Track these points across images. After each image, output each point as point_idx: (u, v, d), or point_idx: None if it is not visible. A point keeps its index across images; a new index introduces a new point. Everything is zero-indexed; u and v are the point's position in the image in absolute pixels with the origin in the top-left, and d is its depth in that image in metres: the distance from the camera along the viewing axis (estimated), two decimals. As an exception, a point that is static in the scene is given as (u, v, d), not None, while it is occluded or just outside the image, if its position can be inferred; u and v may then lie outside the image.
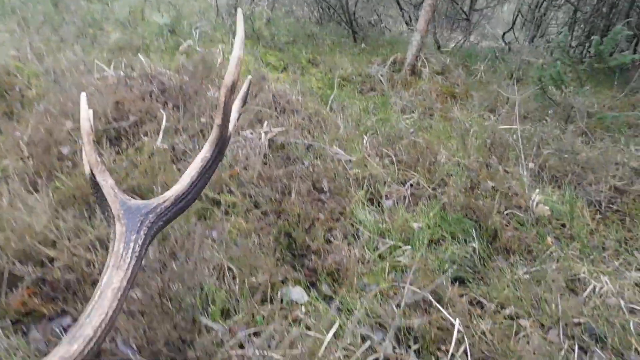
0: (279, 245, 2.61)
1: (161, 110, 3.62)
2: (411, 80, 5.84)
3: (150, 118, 3.55)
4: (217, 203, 2.86)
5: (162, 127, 3.42)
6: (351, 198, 3.12)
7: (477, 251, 2.84)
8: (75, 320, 2.06)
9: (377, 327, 2.21)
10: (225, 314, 2.18)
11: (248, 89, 2.06)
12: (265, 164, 3.23)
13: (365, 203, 3.16)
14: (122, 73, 4.16)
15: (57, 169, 2.87)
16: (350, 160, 3.57)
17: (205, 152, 1.82)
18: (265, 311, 2.17)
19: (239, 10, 2.00)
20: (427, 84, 5.74)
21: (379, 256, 2.74)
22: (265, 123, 3.72)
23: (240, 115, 2.07)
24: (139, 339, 1.93)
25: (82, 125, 1.68)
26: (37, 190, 2.63)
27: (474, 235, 2.91)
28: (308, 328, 2.09)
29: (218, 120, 1.77)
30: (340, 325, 2.12)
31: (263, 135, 3.54)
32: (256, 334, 2.06)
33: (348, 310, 2.30)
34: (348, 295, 2.40)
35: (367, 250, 2.74)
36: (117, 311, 1.36)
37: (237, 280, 2.25)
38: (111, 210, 1.58)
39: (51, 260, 2.20)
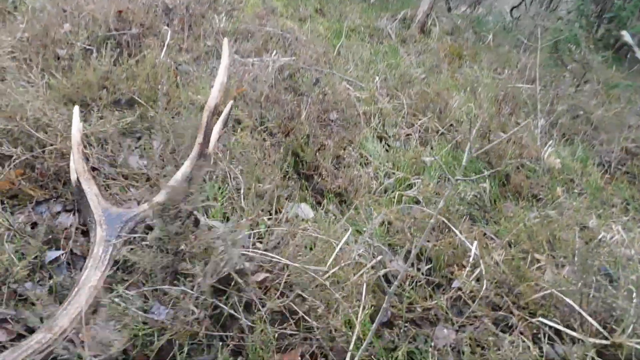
0: (285, 163, 2.47)
1: (166, 27, 3.41)
2: (420, 38, 5.66)
3: (154, 33, 3.34)
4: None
5: (167, 42, 3.22)
6: (361, 129, 2.98)
7: (487, 191, 2.73)
8: (65, 208, 1.90)
9: (388, 248, 2.10)
10: (227, 220, 2.04)
11: (229, 113, 2.17)
12: (275, 88, 3.06)
13: (374, 138, 3.02)
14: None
15: (52, 67, 2.66)
16: (360, 99, 3.41)
17: (185, 167, 1.93)
18: (270, 221, 2.03)
19: (225, 39, 2.16)
20: (436, 42, 5.57)
21: (386, 189, 2.62)
22: (274, 52, 3.54)
23: (220, 136, 2.18)
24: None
25: (73, 135, 1.89)
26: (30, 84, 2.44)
27: (486, 175, 2.79)
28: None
29: (199, 139, 1.91)
30: (347, 243, 2.00)
31: (271, 63, 3.36)
32: (259, 240, 1.93)
33: (358, 232, 2.18)
34: (356, 217, 2.28)
35: (375, 180, 2.62)
36: (92, 306, 1.48)
37: (242, 188, 2.11)
38: (94, 215, 1.70)
39: (42, 147, 2.03)
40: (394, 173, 2.69)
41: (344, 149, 2.79)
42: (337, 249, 1.80)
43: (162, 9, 3.71)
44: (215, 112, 1.82)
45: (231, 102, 2.09)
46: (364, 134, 2.94)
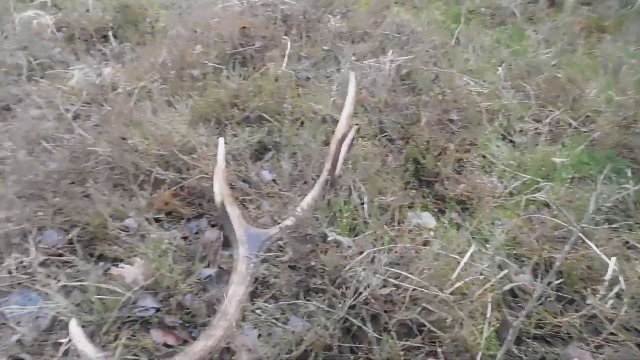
0: (406, 171, 2.50)
1: (285, 37, 3.60)
2: (550, 12, 5.21)
3: (275, 44, 3.54)
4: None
5: (287, 52, 3.40)
6: (483, 130, 2.89)
7: (631, 193, 2.49)
8: (210, 224, 2.16)
9: (514, 260, 2.05)
10: (352, 233, 2.14)
11: (354, 138, 2.32)
12: (393, 91, 3.08)
13: (498, 137, 2.91)
14: (245, 2, 4.18)
15: (189, 89, 2.97)
16: (481, 93, 3.28)
17: (314, 192, 2.09)
18: (393, 232, 2.09)
19: (352, 73, 2.28)
20: (569, 15, 5.08)
21: (512, 193, 2.52)
22: (390, 52, 3.54)
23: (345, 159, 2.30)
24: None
25: (218, 162, 2.15)
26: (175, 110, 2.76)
27: (629, 175, 2.55)
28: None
29: (328, 165, 2.07)
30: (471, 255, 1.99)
31: (388, 63, 3.37)
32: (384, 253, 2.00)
33: (482, 241, 2.15)
34: (480, 226, 2.24)
35: (500, 183, 2.53)
36: (239, 317, 1.68)
37: (366, 200, 2.19)
38: (236, 235, 1.91)
39: (188, 168, 2.31)
40: (520, 175, 2.58)
41: (467, 152, 2.73)
42: (461, 265, 1.81)
43: (281, 18, 3.90)
44: (343, 141, 1.92)
45: (355, 126, 2.18)
46: (487, 134, 2.84)
